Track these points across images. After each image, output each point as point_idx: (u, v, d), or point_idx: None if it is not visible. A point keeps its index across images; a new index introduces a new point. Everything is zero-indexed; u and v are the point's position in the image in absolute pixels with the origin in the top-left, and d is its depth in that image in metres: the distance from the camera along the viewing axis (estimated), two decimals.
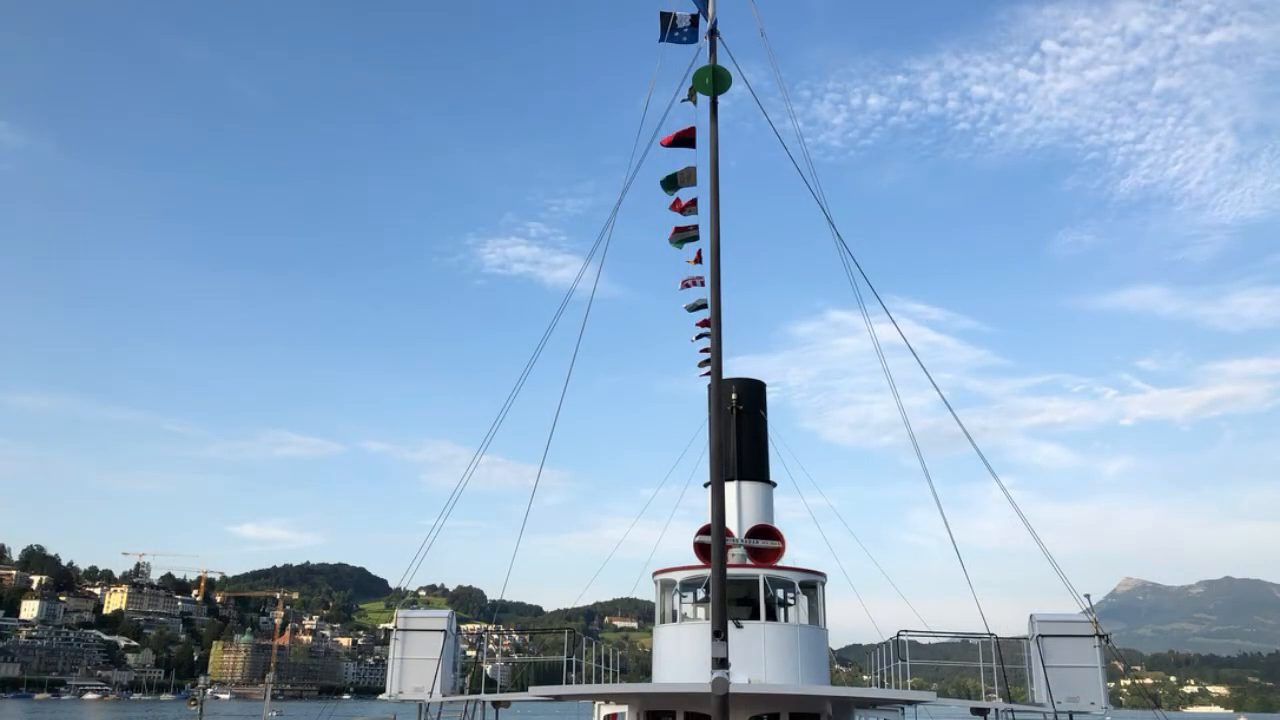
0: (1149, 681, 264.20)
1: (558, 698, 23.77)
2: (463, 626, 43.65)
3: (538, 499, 23.50)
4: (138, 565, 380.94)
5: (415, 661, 24.02)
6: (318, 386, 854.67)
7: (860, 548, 32.61)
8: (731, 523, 23.92)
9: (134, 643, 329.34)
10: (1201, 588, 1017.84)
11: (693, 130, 17.47)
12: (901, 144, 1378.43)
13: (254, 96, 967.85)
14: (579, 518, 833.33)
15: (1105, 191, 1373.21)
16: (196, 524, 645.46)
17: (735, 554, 23.07)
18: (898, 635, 23.28)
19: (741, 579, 22.32)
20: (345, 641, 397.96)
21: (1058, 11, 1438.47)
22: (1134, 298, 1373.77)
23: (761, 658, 21.47)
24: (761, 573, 22.45)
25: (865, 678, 36.75)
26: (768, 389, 27.25)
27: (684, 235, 19.00)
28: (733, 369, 25.97)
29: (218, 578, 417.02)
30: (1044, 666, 21.86)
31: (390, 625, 25.05)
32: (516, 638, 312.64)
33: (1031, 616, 22.74)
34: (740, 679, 19.48)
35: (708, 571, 16.69)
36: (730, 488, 24.52)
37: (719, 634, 13.37)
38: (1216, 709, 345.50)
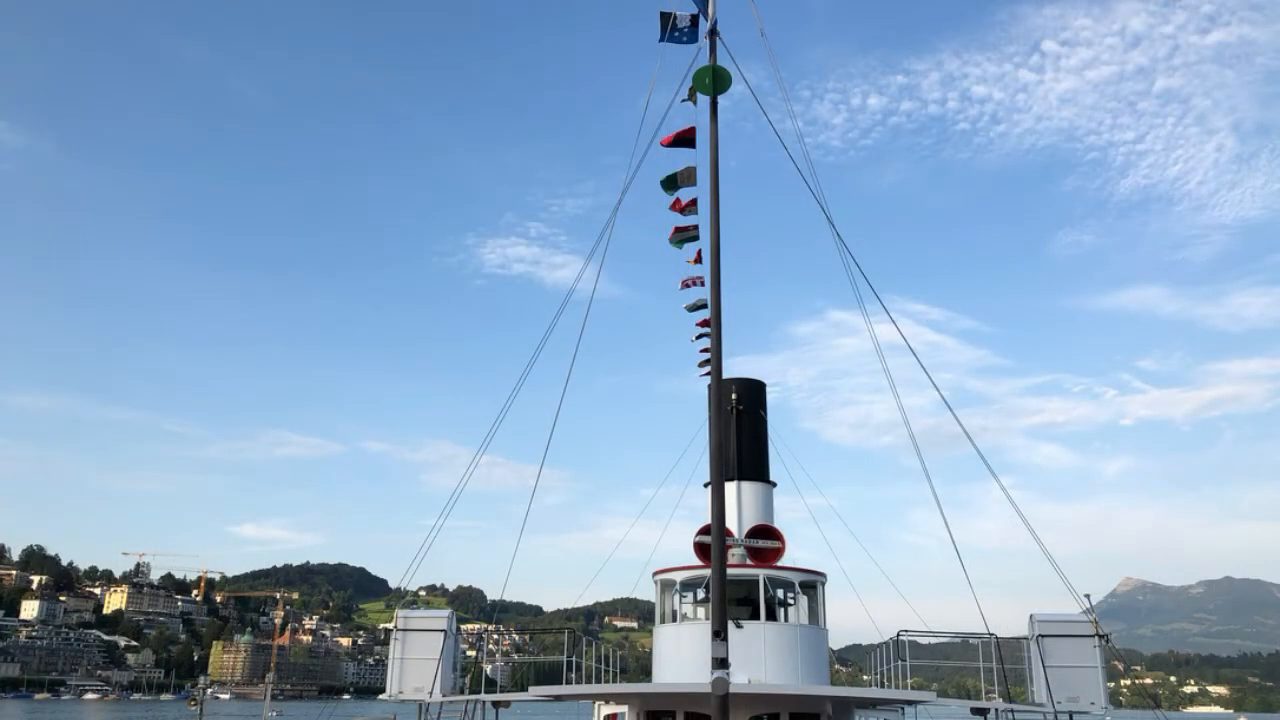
0: (1149, 681, 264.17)
1: (558, 698, 23.77)
2: (463, 626, 43.67)
3: (538, 499, 23.54)
4: (138, 565, 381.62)
5: (415, 661, 24.01)
6: (318, 386, 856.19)
7: (860, 548, 32.64)
8: (731, 523, 23.91)
9: (134, 643, 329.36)
10: (1201, 588, 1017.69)
11: (693, 130, 17.46)
12: (901, 144, 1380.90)
13: (254, 96, 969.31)
14: (579, 518, 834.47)
15: (1105, 191, 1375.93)
16: (196, 524, 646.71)
17: (735, 554, 23.06)
18: (898, 635, 23.27)
19: (741, 579, 22.32)
20: (345, 641, 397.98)
21: (1058, 11, 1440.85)
22: (1134, 298, 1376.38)
23: (761, 658, 21.46)
24: (761, 573, 22.45)
25: (865, 678, 36.68)
26: (768, 389, 27.26)
27: (684, 235, 18.99)
28: (733, 369, 26.00)
29: (218, 578, 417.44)
30: (1044, 666, 21.85)
31: (390, 625, 25.04)
32: (516, 638, 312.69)
33: (1031, 616, 22.73)
34: (740, 679, 19.47)
35: (708, 571, 16.69)
36: (730, 488, 24.51)
37: (719, 634, 13.36)
38: (1216, 709, 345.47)
